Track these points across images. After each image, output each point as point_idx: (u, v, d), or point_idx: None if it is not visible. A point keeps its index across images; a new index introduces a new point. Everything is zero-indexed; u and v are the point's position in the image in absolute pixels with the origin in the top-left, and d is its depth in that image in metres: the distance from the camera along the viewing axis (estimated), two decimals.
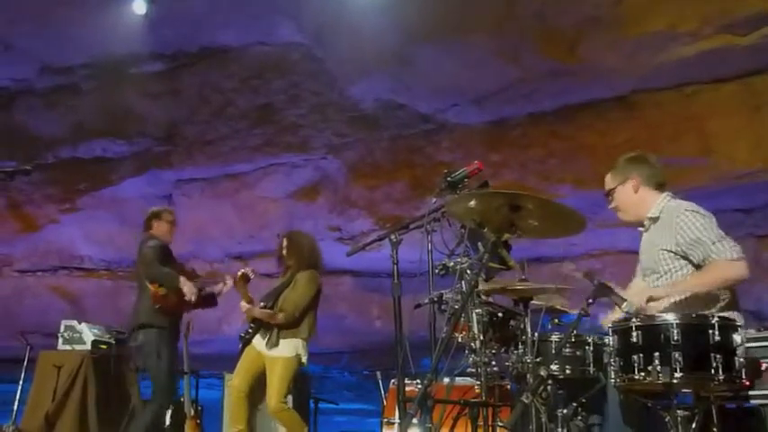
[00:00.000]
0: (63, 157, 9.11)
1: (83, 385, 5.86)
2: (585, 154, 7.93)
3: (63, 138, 8.87)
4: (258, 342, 5.43)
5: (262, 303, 5.43)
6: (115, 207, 9.30)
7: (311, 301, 5.44)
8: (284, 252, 5.62)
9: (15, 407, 5.93)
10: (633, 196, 3.56)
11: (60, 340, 6.19)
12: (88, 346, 6.04)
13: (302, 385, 6.41)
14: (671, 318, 2.80)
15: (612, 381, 2.94)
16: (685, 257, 3.28)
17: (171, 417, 6.00)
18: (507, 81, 7.60)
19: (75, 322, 6.23)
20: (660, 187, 3.55)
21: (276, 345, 5.32)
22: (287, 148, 8.63)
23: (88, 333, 6.11)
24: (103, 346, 6.07)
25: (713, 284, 3.16)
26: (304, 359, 5.39)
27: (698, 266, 3.26)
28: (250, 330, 5.48)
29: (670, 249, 3.32)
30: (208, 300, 5.85)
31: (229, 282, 5.80)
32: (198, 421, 6.20)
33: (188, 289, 5.54)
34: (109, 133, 8.73)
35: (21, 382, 6.01)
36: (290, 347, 5.32)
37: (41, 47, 7.76)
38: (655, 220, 3.49)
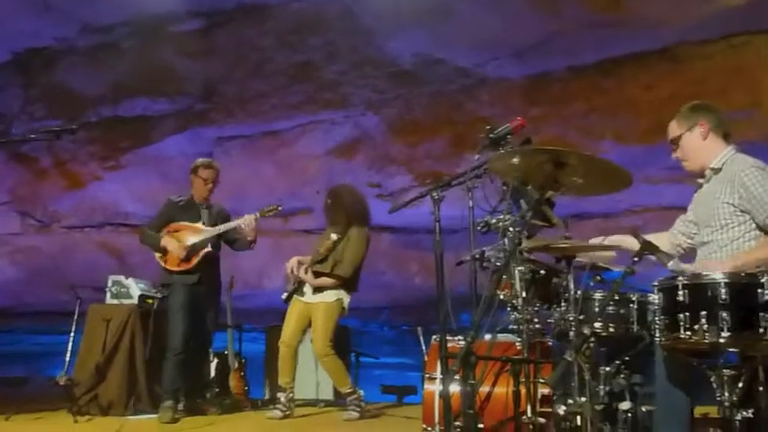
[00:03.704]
0: (105, 115, 9.22)
1: (131, 338, 5.98)
2: (628, 108, 7.75)
3: (105, 96, 8.96)
4: (303, 294, 5.54)
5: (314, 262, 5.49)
6: (157, 164, 9.40)
7: (363, 259, 5.52)
8: (329, 205, 5.66)
9: (67, 358, 6.08)
10: (701, 143, 3.40)
11: (108, 295, 6.31)
12: (135, 301, 6.14)
13: (343, 339, 6.50)
14: (719, 276, 2.72)
15: (657, 339, 2.89)
16: (747, 212, 3.17)
17: (216, 369, 6.14)
18: (548, 33, 7.43)
19: (122, 277, 6.33)
20: (726, 137, 3.42)
21: (320, 291, 5.48)
22: (326, 105, 8.59)
23: (135, 288, 6.21)
24: (149, 301, 6.17)
25: None
26: (345, 305, 5.50)
27: (759, 226, 3.16)
28: (296, 285, 5.57)
29: (732, 203, 3.21)
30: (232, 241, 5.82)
31: (249, 217, 5.61)
32: (242, 373, 6.35)
33: (172, 247, 5.58)
34: (149, 91, 8.79)
35: (72, 335, 6.15)
36: (332, 293, 5.49)
37: (81, 6, 7.78)
38: (716, 171, 3.35)
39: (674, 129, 3.49)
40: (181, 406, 5.60)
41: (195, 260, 5.62)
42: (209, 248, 5.63)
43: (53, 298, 7.99)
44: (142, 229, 5.91)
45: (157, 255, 5.72)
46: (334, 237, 5.46)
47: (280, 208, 5.63)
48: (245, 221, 5.54)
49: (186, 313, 5.58)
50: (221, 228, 5.63)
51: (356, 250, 5.50)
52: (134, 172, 9.59)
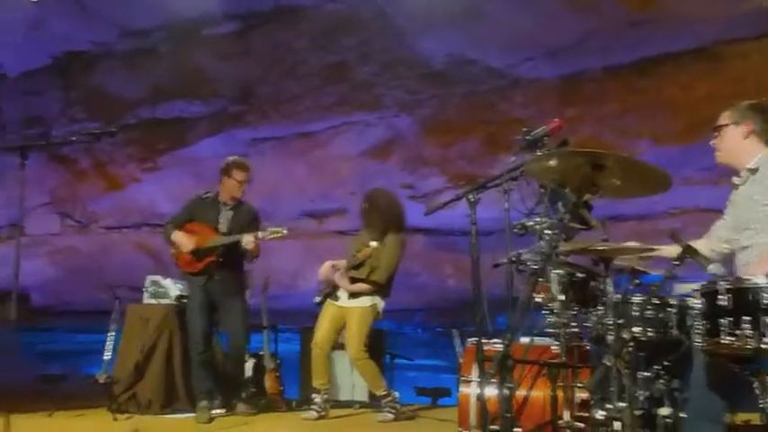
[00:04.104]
0: (143, 117, 9.36)
1: (168, 337, 6.04)
2: (665, 108, 7.64)
3: (142, 99, 9.10)
4: (337, 298, 5.56)
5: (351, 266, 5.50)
6: (193, 166, 9.50)
7: (398, 265, 5.53)
8: (365, 210, 5.66)
9: (107, 357, 6.17)
10: (740, 141, 3.35)
11: (146, 294, 6.39)
12: (173, 300, 6.21)
13: (378, 341, 6.51)
14: (762, 281, 2.67)
15: (698, 344, 2.85)
16: None
17: (251, 369, 6.18)
18: (583, 33, 7.38)
19: (159, 277, 6.39)
20: None
21: (356, 296, 5.48)
22: (359, 106, 8.63)
23: (172, 288, 6.28)
24: (186, 300, 6.23)
25: None
26: (380, 309, 5.51)
27: None
28: (329, 290, 5.59)
29: None
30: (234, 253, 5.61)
31: (249, 238, 5.45)
32: (277, 374, 6.37)
33: (180, 242, 5.56)
34: (186, 94, 8.91)
35: (111, 334, 6.24)
36: (367, 299, 5.49)
37: (119, 11, 7.91)
38: (753, 171, 3.29)
39: (723, 117, 3.44)
40: (216, 405, 5.65)
41: (200, 266, 5.61)
42: (213, 258, 5.57)
43: (92, 297, 8.14)
44: (166, 228, 5.80)
45: (171, 252, 5.72)
46: (374, 244, 5.43)
47: (285, 231, 5.55)
48: (245, 240, 5.44)
49: (202, 313, 5.59)
50: (228, 239, 5.55)
51: (392, 256, 5.49)
52: (170, 173, 9.71)
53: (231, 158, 5.80)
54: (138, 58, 8.96)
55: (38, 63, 9.55)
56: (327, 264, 5.62)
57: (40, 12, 8.38)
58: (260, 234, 5.47)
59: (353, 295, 5.49)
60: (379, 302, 5.53)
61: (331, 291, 5.60)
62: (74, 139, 4.44)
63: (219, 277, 5.63)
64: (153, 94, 9.05)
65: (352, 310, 5.48)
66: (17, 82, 9.85)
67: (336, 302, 5.56)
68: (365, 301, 5.47)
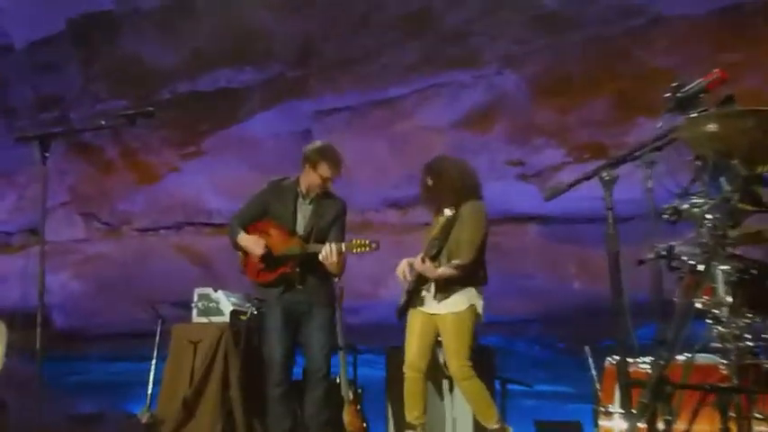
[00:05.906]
0: (181, 91, 9.59)
1: (223, 364, 6.19)
2: None
3: (180, 69, 9.32)
4: (423, 302, 5.58)
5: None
6: (244, 148, 9.68)
7: (484, 237, 5.52)
8: (430, 187, 5.65)
9: (149, 390, 6.39)
10: None
11: (195, 311, 6.55)
12: (227, 318, 6.35)
13: (484, 362, 6.48)
14: None
15: None
16: None
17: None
18: None
19: (210, 290, 6.54)
20: None
21: (446, 296, 5.45)
22: (451, 63, 8.61)
23: (226, 302, 6.42)
24: (243, 317, 6.36)
25: None
26: (480, 310, 5.49)
27: None
28: (409, 295, 5.62)
29: None
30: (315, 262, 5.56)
31: (332, 248, 5.45)
32: (357, 407, 6.43)
33: (247, 246, 5.64)
34: (233, 59, 9.06)
35: (153, 361, 6.45)
36: (461, 299, 5.45)
37: None
38: None
39: None
40: None
41: (272, 277, 5.67)
42: (288, 269, 5.61)
43: (128, 316, 8.39)
44: (231, 226, 5.89)
45: (240, 256, 5.83)
46: (449, 212, 5.38)
47: (375, 246, 5.50)
48: (325, 252, 5.43)
49: (282, 336, 5.62)
50: (304, 249, 5.56)
51: (474, 228, 5.44)
52: (217, 159, 9.92)
53: (320, 145, 5.78)
54: (172, 16, 9.17)
55: (50, 30, 9.89)
56: (404, 262, 5.62)
57: None
58: (343, 246, 5.48)
59: (443, 297, 5.47)
60: (477, 300, 5.49)
61: (412, 296, 5.61)
62: (103, 122, 4.52)
63: (301, 285, 5.66)
64: (192, 62, 9.26)
65: (445, 317, 5.45)
66: (26, 55, 10.23)
67: (423, 308, 5.58)
68: (459, 304, 5.42)
